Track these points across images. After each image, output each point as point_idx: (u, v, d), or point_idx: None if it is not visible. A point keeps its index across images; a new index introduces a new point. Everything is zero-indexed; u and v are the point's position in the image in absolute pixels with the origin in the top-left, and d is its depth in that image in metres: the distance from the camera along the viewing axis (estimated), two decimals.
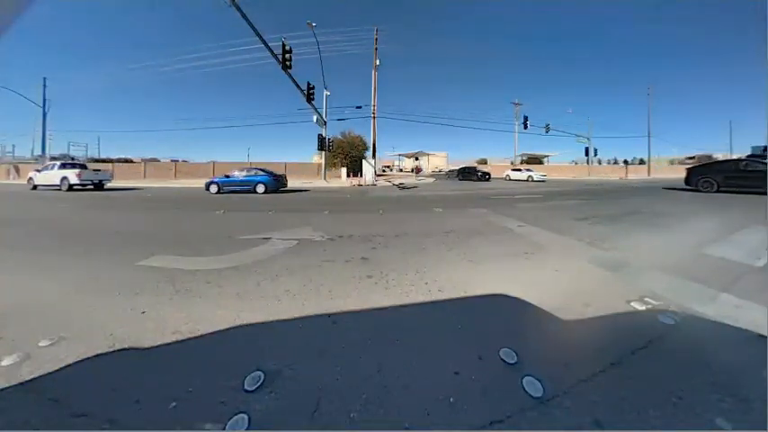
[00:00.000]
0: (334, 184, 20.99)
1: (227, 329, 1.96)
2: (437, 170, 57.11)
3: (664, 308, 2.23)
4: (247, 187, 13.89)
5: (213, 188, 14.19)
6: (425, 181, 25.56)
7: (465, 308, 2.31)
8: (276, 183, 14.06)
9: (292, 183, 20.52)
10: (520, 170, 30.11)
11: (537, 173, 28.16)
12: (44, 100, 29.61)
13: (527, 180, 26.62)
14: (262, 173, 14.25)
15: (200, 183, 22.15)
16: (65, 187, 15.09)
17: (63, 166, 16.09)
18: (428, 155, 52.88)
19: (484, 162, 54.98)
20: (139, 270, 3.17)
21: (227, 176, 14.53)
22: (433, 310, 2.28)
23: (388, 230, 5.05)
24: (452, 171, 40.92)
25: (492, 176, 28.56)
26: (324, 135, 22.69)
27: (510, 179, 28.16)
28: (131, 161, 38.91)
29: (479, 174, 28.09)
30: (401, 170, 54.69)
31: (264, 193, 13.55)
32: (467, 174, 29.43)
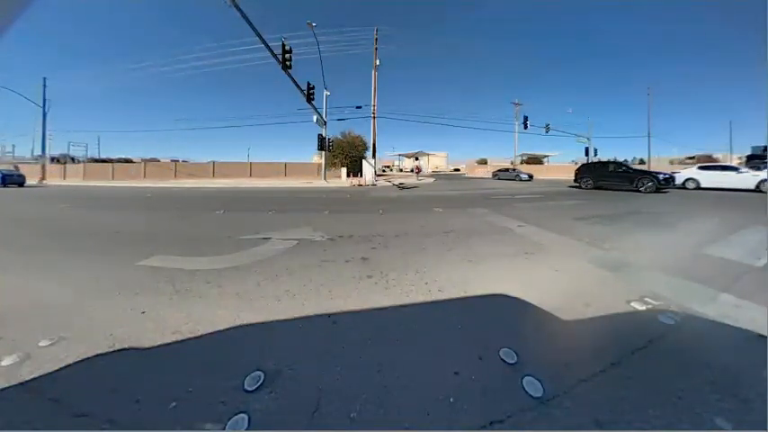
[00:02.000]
0: (334, 184, 20.99)
1: (227, 329, 1.96)
2: (437, 170, 56.96)
3: (664, 308, 2.23)
4: None
5: None
6: (425, 181, 25.54)
7: (465, 308, 2.31)
8: (4, 180, 19.50)
9: (293, 183, 20.52)
10: (734, 170, 13.97)
11: None
12: (44, 100, 29.45)
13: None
14: None
15: (197, 183, 22.16)
16: None
17: None
18: (428, 155, 52.93)
19: (484, 162, 54.92)
20: (139, 270, 3.17)
21: None
22: (433, 310, 2.28)
23: (388, 230, 5.05)
24: (507, 170, 30.27)
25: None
26: (324, 135, 22.67)
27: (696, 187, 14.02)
28: (131, 161, 38.94)
29: (660, 178, 12.61)
30: (401, 170, 54.71)
31: None
32: (616, 176, 14.14)
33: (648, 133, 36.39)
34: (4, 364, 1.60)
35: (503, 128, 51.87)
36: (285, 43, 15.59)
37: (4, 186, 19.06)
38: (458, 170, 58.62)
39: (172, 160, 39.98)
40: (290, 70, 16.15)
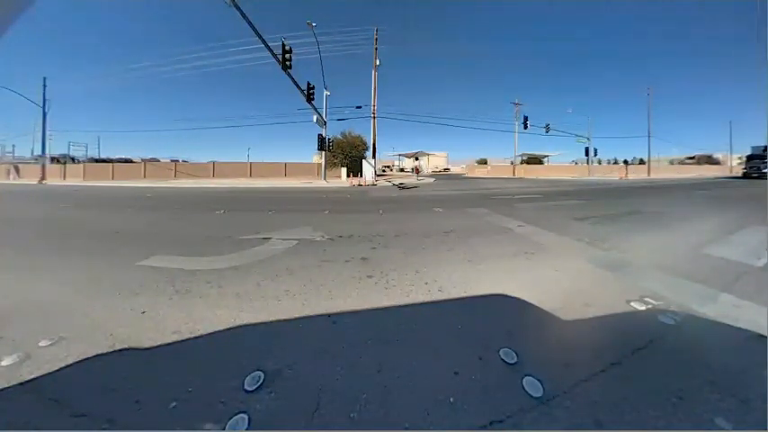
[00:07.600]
0: (334, 184, 20.98)
1: (227, 329, 1.96)
2: (436, 170, 57.30)
3: (664, 308, 2.22)
4: None
5: None
6: (425, 181, 25.49)
7: (465, 308, 2.31)
8: None
9: (293, 183, 20.53)
10: None
11: None
12: (44, 100, 29.42)
13: None
14: None
15: (197, 183, 22.16)
16: None
17: None
18: (428, 155, 52.87)
19: (484, 162, 54.89)
20: (139, 270, 3.17)
21: None
22: (433, 310, 2.27)
23: (389, 230, 5.05)
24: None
25: None
26: (324, 135, 22.65)
27: None
28: (131, 161, 38.91)
29: None
30: (401, 170, 54.70)
31: None
32: None
33: (648, 133, 36.31)
34: (4, 364, 1.60)
35: (503, 128, 51.72)
36: (285, 43, 15.61)
37: None
38: (447, 170, 60.56)
39: (172, 160, 39.90)
40: (290, 70, 16.16)
